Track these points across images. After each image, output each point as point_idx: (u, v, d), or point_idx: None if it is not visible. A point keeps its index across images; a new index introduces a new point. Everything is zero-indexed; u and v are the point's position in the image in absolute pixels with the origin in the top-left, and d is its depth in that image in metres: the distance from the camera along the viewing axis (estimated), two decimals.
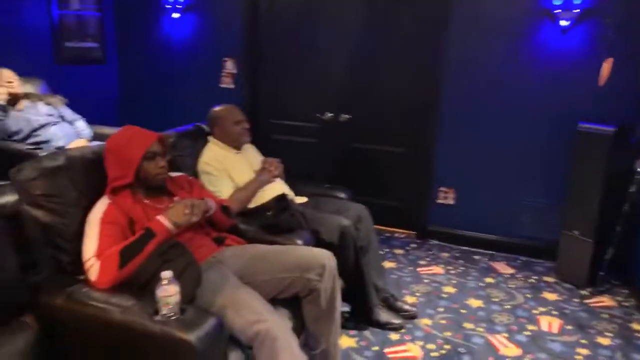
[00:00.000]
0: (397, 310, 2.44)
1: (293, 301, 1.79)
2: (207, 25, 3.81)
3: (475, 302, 2.66)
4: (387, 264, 3.08)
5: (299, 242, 2.01)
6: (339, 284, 1.85)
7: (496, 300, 2.70)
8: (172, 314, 1.33)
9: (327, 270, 1.78)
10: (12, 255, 1.41)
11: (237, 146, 2.42)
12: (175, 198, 1.77)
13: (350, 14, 3.45)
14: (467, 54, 3.16)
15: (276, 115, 3.82)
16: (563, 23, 2.88)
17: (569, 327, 2.46)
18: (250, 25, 3.68)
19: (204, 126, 2.50)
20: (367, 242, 2.45)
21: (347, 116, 3.57)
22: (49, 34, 3.56)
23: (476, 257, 3.28)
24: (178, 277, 1.41)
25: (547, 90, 3.04)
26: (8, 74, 2.86)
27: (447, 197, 3.45)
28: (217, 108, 2.43)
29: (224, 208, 1.94)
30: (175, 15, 3.81)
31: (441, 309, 2.58)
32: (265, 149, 2.66)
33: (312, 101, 3.66)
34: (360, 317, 2.38)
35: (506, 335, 2.36)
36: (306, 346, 1.83)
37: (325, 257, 1.81)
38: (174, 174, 1.91)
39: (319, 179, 2.98)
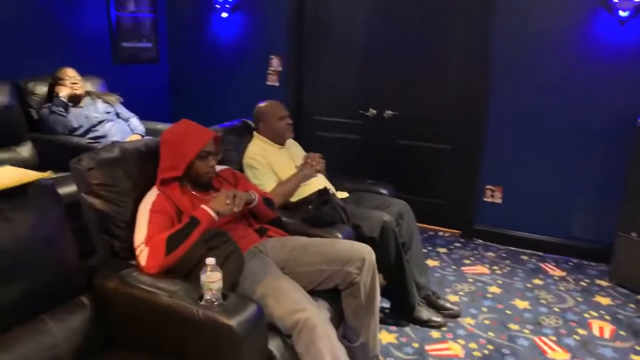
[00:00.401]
0: (438, 308, 2.41)
1: (332, 293, 1.81)
2: (254, 24, 3.89)
3: (521, 304, 2.58)
4: (430, 262, 3.04)
5: (340, 235, 2.03)
6: (378, 278, 1.85)
7: (544, 302, 2.60)
8: (215, 299, 1.38)
9: (366, 264, 1.79)
10: (72, 241, 1.51)
11: (280, 141, 2.46)
12: (223, 189, 1.83)
13: (397, 10, 3.42)
14: (516, 48, 3.07)
15: (320, 112, 3.85)
16: (622, 14, 2.73)
17: (623, 333, 2.33)
18: (296, 23, 3.73)
19: (250, 122, 2.57)
20: (409, 239, 2.43)
21: (391, 112, 3.54)
22: (107, 35, 3.76)
23: (524, 257, 3.17)
24: (221, 265, 1.46)
25: (603, 85, 2.89)
26: (72, 74, 3.04)
27: (494, 195, 3.35)
28: (262, 104, 2.49)
29: (267, 201, 1.98)
30: (224, 14, 3.92)
31: (485, 309, 2.52)
32: (308, 145, 2.70)
33: (356, 98, 3.67)
34: (400, 314, 2.37)
35: (554, 338, 2.28)
36: (345, 338, 1.85)
37: (365, 251, 1.82)
38: (219, 167, 1.97)
39: (361, 175, 2.98)
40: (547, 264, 3.07)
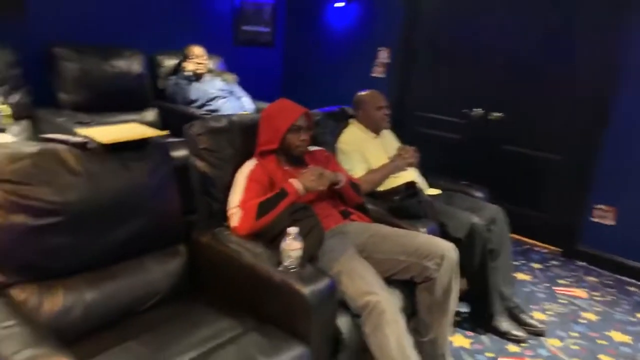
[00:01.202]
0: (521, 323, 2.28)
1: (407, 284, 1.81)
2: (367, 15, 3.94)
3: (619, 337, 2.34)
4: (520, 276, 2.87)
5: (423, 230, 2.01)
6: (457, 278, 1.81)
7: None
8: (292, 266, 1.47)
9: (446, 261, 1.76)
10: (177, 195, 1.69)
11: (376, 130, 2.49)
12: (310, 166, 1.92)
13: (514, 8, 3.23)
14: None
15: (422, 107, 3.79)
16: None
17: None
18: (410, 17, 3.70)
19: (349, 109, 2.63)
20: (498, 247, 2.32)
21: (498, 114, 3.37)
22: (230, 19, 4.06)
23: (632, 288, 2.86)
24: (303, 237, 1.54)
25: None
26: (199, 51, 3.35)
27: (605, 216, 3.05)
28: (362, 92, 2.53)
29: (354, 185, 2.03)
30: (340, 4, 4.01)
31: (575, 334, 2.32)
32: (406, 140, 2.68)
33: (461, 96, 3.55)
34: (479, 321, 2.29)
35: None
36: (415, 331, 1.84)
37: (447, 249, 1.79)
38: (313, 148, 2.06)
39: (456, 176, 2.89)
40: None
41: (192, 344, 1.33)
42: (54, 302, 1.33)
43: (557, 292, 2.73)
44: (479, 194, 2.61)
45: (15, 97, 2.55)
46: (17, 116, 2.48)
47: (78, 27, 3.05)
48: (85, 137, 1.47)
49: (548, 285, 2.80)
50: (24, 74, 2.63)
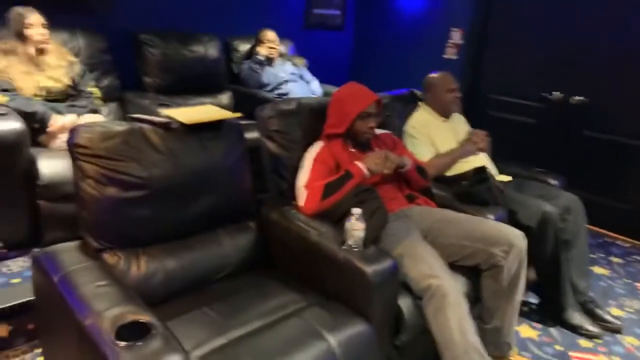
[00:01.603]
0: (595, 318, 2.17)
1: (472, 270, 1.79)
2: None
3: None
4: (597, 270, 2.71)
5: (490, 217, 1.96)
6: (524, 267, 1.76)
7: None
8: (356, 246, 1.50)
9: (514, 249, 1.72)
10: (249, 174, 1.79)
11: (445, 114, 2.43)
12: (375, 149, 1.93)
13: None
14: None
15: (496, 90, 3.64)
16: None
17: None
18: None
19: (418, 92, 2.59)
20: (573, 237, 2.21)
21: (580, 98, 3.16)
22: (302, 2, 4.10)
23: None
24: (367, 218, 1.57)
25: None
26: (272, 36, 3.43)
27: None
28: (432, 75, 2.48)
29: (420, 169, 2.02)
30: None
31: None
32: (479, 124, 2.59)
33: (539, 78, 3.36)
34: (549, 313, 2.21)
35: None
36: (479, 319, 1.82)
37: (515, 236, 1.75)
38: (379, 131, 2.06)
39: (531, 162, 2.76)
40: None
41: (259, 313, 1.42)
42: (139, 267, 1.47)
43: (639, 288, 2.55)
44: (554, 182, 2.49)
45: (105, 81, 2.78)
46: (106, 98, 2.70)
47: (160, 14, 3.25)
48: (168, 117, 1.59)
49: (629, 281, 2.63)
50: (113, 59, 2.86)
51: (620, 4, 2.94)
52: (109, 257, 1.45)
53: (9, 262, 2.08)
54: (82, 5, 2.85)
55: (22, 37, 2.25)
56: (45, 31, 2.29)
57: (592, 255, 2.86)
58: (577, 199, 2.28)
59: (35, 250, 2.15)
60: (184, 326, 1.33)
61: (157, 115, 1.64)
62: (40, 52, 2.30)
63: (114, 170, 1.43)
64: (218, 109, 1.77)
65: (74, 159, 1.43)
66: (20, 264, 2.07)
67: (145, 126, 1.54)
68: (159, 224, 1.53)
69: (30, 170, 2.02)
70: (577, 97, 3.17)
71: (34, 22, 2.25)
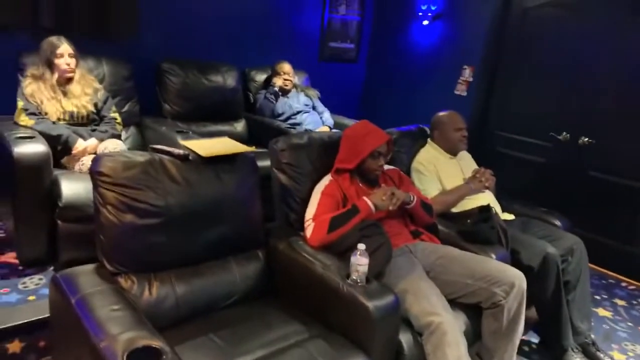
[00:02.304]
0: None
1: (473, 308, 1.83)
2: (452, 33, 3.93)
3: None
4: (601, 312, 2.71)
5: (493, 256, 2.00)
6: (524, 307, 1.79)
7: None
8: (359, 281, 1.56)
9: (515, 289, 1.76)
10: (260, 209, 1.86)
11: (453, 152, 2.50)
12: (382, 185, 2.00)
13: (608, 31, 3.07)
14: None
15: (505, 127, 3.71)
16: None
17: None
18: (496, 36, 3.65)
19: (426, 128, 2.67)
20: (574, 279, 2.24)
21: (588, 140, 3.22)
22: (318, 35, 4.25)
23: None
24: (371, 252, 1.63)
25: None
26: (288, 69, 3.56)
27: None
28: (441, 113, 2.56)
29: (426, 206, 2.08)
30: (425, 22, 4.05)
31: None
32: (487, 160, 2.65)
33: (548, 118, 3.42)
34: (549, 354, 2.22)
35: None
36: (478, 356, 1.85)
37: (516, 277, 1.79)
38: (387, 167, 2.14)
39: (535, 202, 2.81)
40: None
41: (263, 343, 1.47)
42: (151, 292, 1.54)
43: None
44: (557, 222, 2.53)
45: (126, 107, 2.90)
46: (125, 123, 2.82)
47: (182, 44, 3.39)
48: (187, 149, 1.68)
49: (632, 324, 2.62)
50: (135, 85, 2.99)
51: (629, 50, 3.02)
52: (123, 281, 1.51)
53: (25, 279, 2.16)
54: (109, 34, 2.99)
55: (50, 66, 2.38)
56: (72, 61, 2.42)
57: (596, 297, 2.87)
58: (580, 241, 2.32)
59: (51, 269, 2.24)
60: (191, 351, 1.39)
61: (177, 146, 1.73)
62: (67, 80, 2.43)
63: (133, 198, 1.51)
64: (234, 142, 1.86)
65: (96, 186, 1.52)
66: (35, 282, 2.14)
67: (164, 157, 1.63)
68: (172, 251, 1.60)
69: (52, 191, 2.12)
70: (584, 139, 3.23)
71: (63, 51, 2.38)
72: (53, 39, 2.39)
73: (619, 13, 3.03)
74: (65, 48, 2.39)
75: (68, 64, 2.39)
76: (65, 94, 2.43)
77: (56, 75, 2.39)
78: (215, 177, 1.69)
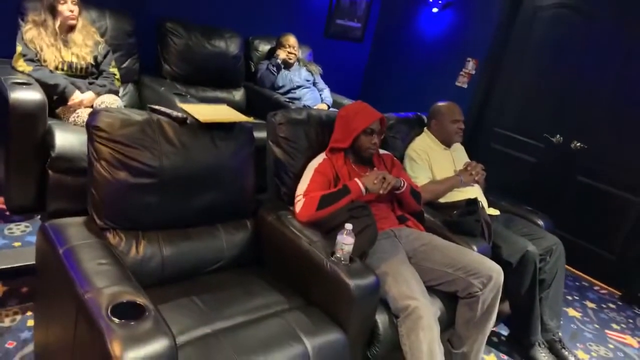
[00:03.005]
0: (560, 358, 2.26)
1: (449, 296, 1.88)
2: (460, 23, 3.91)
3: None
4: (570, 312, 2.81)
5: (475, 248, 2.04)
6: (498, 300, 1.85)
7: None
8: (343, 259, 1.59)
9: (492, 282, 1.81)
10: (253, 179, 1.88)
11: (447, 143, 2.52)
12: (375, 169, 2.03)
13: (612, 37, 3.08)
14: None
15: (501, 124, 3.74)
16: None
17: None
18: (503, 30, 3.64)
19: (424, 117, 2.68)
20: (550, 278, 2.31)
21: (580, 144, 3.26)
22: (326, 11, 4.19)
23: None
24: (357, 233, 1.66)
25: None
26: (293, 42, 3.51)
27: None
28: (440, 103, 2.57)
29: (414, 193, 2.11)
30: (435, 10, 4.02)
31: None
32: (480, 155, 2.69)
33: (544, 119, 3.46)
34: (516, 347, 2.31)
35: None
36: (449, 342, 1.92)
37: (494, 270, 1.84)
38: (382, 152, 2.16)
39: (522, 200, 2.86)
40: None
41: (243, 310, 1.51)
42: (138, 250, 1.56)
43: (608, 335, 2.65)
44: (540, 222, 2.58)
45: (126, 63, 2.86)
46: (123, 80, 2.79)
47: (188, 4, 3.33)
48: (185, 113, 1.68)
49: (598, 327, 2.73)
50: (136, 42, 2.94)
51: (631, 61, 3.04)
52: (111, 237, 1.53)
53: (11, 225, 2.16)
54: None
55: (53, 11, 2.34)
56: (76, 8, 2.37)
57: (568, 297, 2.96)
58: (559, 242, 2.38)
59: (38, 217, 2.25)
60: (173, 311, 1.42)
61: (175, 108, 1.73)
62: (68, 28, 2.39)
63: (128, 156, 1.52)
64: (234, 111, 1.86)
65: (91, 140, 1.52)
66: (22, 229, 2.16)
67: (162, 118, 1.63)
68: (162, 212, 1.62)
69: (45, 140, 2.11)
70: (577, 143, 3.27)
71: None
72: None
73: (628, 22, 3.03)
74: None
75: (72, 11, 2.35)
76: (65, 43, 2.39)
77: (58, 22, 2.35)
78: (211, 144, 1.70)
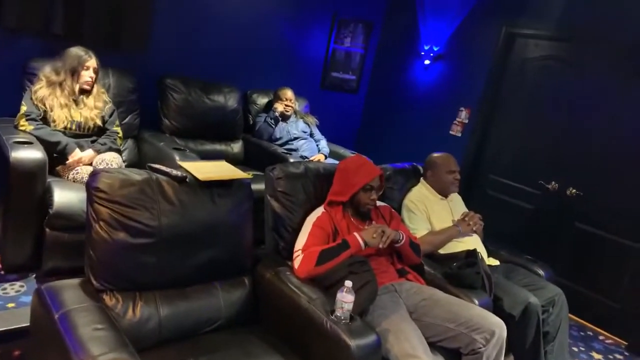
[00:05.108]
0: None
1: (452, 352, 1.84)
2: (451, 74, 4.04)
3: None
4: None
5: (476, 301, 2.02)
6: (502, 355, 1.81)
7: None
8: (343, 318, 1.57)
9: (495, 337, 1.78)
10: (251, 235, 1.88)
11: (444, 194, 2.55)
12: (373, 222, 2.03)
13: (604, 84, 3.18)
14: None
15: (497, 171, 3.78)
16: None
17: None
18: (494, 80, 3.75)
19: (420, 167, 2.72)
20: (554, 330, 2.27)
21: (575, 191, 3.29)
22: (322, 64, 4.34)
23: None
24: (357, 290, 1.64)
25: None
26: (290, 96, 3.61)
27: None
28: (435, 154, 2.61)
29: (414, 245, 2.10)
30: (426, 62, 4.16)
31: None
32: (477, 202, 2.71)
33: (539, 166, 3.51)
34: None
35: None
36: None
37: (497, 325, 1.81)
38: (380, 204, 2.18)
39: (522, 248, 2.85)
40: None
41: None
42: (135, 312, 1.53)
43: None
44: (541, 272, 2.56)
45: (127, 119, 2.92)
46: (124, 135, 2.83)
47: (188, 62, 3.44)
48: (185, 171, 1.70)
49: None
50: (138, 98, 3.01)
51: (622, 109, 3.12)
52: (107, 299, 1.51)
53: (6, 285, 2.13)
54: (119, 45, 3.03)
55: (74, 75, 2.42)
56: (94, 76, 2.49)
57: (573, 349, 2.89)
58: (561, 292, 2.35)
59: (33, 276, 2.22)
60: None
61: (174, 165, 1.75)
62: (83, 92, 2.47)
63: (127, 216, 1.52)
64: (232, 167, 1.89)
65: (91, 201, 1.53)
66: (16, 289, 2.12)
67: (161, 177, 1.65)
68: (161, 272, 1.61)
69: (44, 198, 2.12)
70: (572, 190, 3.30)
71: (90, 65, 2.46)
72: (81, 50, 2.46)
73: (616, 73, 3.13)
74: (93, 62, 2.48)
75: (91, 77, 2.46)
76: (77, 103, 2.46)
77: (76, 85, 2.43)
78: (210, 201, 1.71)
